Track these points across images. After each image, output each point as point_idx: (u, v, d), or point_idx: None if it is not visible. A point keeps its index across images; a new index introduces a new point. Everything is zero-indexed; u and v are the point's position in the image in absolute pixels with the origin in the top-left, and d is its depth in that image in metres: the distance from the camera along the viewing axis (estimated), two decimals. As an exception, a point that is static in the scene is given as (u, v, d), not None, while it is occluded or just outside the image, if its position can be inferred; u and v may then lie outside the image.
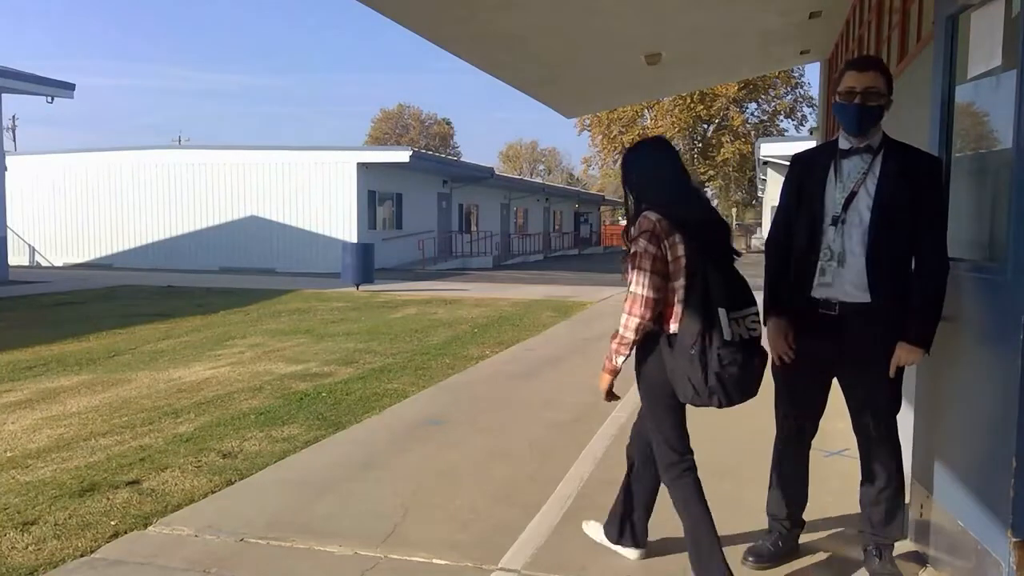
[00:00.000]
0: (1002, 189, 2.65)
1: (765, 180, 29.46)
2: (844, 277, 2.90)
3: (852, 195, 2.89)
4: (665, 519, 3.16)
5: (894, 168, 2.86)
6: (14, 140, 49.22)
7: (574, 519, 3.65)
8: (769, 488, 3.28)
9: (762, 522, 3.33)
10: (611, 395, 2.94)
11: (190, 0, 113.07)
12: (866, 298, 2.86)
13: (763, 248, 3.28)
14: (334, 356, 8.26)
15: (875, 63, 2.99)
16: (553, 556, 3.29)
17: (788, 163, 3.23)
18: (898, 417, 3.02)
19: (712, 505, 2.86)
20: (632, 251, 2.78)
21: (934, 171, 2.91)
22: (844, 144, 2.97)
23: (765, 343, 2.86)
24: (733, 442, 4.71)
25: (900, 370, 2.91)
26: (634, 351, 2.84)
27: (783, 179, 3.24)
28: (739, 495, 3.86)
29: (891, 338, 2.85)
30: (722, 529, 2.88)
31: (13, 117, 50.65)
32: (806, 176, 3.05)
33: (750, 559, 3.18)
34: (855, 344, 2.91)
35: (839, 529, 3.52)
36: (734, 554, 3.17)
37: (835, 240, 2.91)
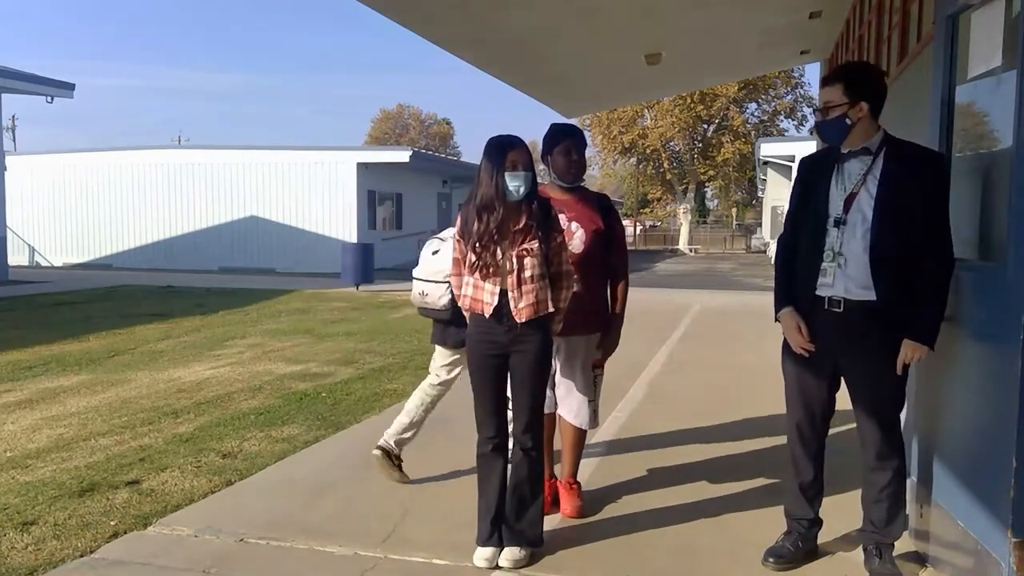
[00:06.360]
0: (1002, 189, 2.65)
1: (765, 180, 29.36)
2: (847, 277, 2.93)
3: (852, 196, 2.93)
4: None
5: (895, 168, 2.89)
6: (14, 140, 49.17)
7: (574, 519, 3.66)
8: (787, 488, 3.28)
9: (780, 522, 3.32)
10: None
11: (190, 0, 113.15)
12: (871, 296, 2.89)
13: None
14: (334, 356, 8.26)
15: (833, 75, 3.02)
16: (553, 556, 3.29)
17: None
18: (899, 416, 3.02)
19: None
20: None
21: (937, 167, 2.92)
22: (843, 148, 3.01)
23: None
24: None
25: (905, 368, 2.92)
26: None
27: (788, 180, 3.28)
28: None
29: (896, 336, 2.88)
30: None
31: (13, 117, 50.58)
32: (811, 178, 3.11)
33: (770, 560, 3.17)
34: (860, 341, 2.94)
35: (842, 529, 3.51)
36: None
37: (837, 241, 2.94)
